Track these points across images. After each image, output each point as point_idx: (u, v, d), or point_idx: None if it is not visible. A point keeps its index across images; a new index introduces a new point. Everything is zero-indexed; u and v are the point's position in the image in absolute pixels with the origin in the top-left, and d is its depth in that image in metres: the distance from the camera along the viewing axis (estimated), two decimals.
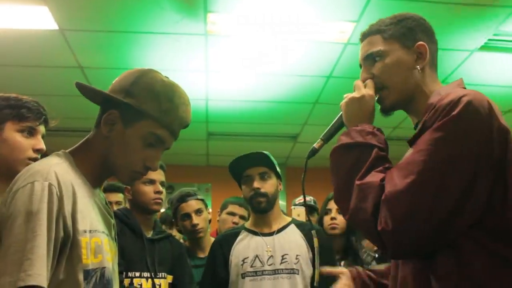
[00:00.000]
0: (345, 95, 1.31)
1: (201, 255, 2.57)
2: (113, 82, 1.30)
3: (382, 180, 1.09)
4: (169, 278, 2.18)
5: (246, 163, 2.17)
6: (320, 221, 2.83)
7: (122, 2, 3.16)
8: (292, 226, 2.19)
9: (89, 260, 1.13)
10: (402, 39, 1.26)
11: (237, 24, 3.45)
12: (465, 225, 1.02)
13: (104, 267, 1.18)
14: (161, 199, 2.21)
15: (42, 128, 1.55)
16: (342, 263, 2.73)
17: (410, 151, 1.13)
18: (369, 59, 1.30)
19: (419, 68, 1.24)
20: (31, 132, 1.51)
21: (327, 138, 1.35)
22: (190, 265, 2.39)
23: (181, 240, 2.94)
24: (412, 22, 1.29)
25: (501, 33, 3.61)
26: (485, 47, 3.78)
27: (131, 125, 1.23)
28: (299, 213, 2.72)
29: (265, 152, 2.18)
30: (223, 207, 3.04)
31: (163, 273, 2.15)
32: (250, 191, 2.15)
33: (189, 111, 1.31)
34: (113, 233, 1.33)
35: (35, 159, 1.49)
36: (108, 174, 1.31)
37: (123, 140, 1.22)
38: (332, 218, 2.70)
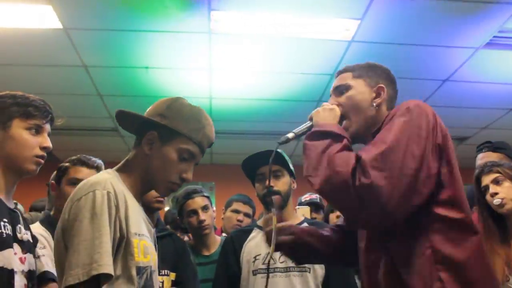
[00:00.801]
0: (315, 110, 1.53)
1: (206, 253, 2.57)
2: (148, 109, 1.50)
3: (357, 155, 1.29)
4: (172, 276, 2.18)
5: (260, 161, 2.16)
6: (326, 219, 2.83)
7: (126, 0, 3.17)
8: (305, 224, 2.18)
9: (140, 258, 1.32)
10: (367, 80, 1.53)
11: (241, 22, 3.45)
12: (425, 190, 1.27)
13: (151, 266, 1.37)
14: (163, 197, 2.21)
15: (48, 127, 1.56)
16: None
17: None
18: (338, 91, 1.56)
19: (375, 104, 1.49)
20: (38, 130, 1.52)
21: (298, 135, 1.55)
22: (195, 262, 2.39)
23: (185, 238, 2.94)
24: (378, 69, 1.57)
25: (506, 30, 3.60)
26: (489, 45, 3.77)
27: (167, 143, 1.43)
28: (304, 213, 2.72)
29: (278, 150, 2.17)
30: (228, 204, 3.05)
31: (166, 270, 2.15)
32: (263, 189, 2.15)
33: (213, 131, 1.54)
34: (153, 241, 1.49)
35: (42, 157, 1.51)
36: (147, 189, 1.50)
37: (161, 155, 1.42)
38: (338, 216, 2.70)
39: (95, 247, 1.20)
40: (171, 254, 2.21)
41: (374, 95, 1.51)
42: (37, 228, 1.91)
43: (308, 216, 2.71)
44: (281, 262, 2.05)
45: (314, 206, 3.18)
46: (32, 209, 3.17)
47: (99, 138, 5.59)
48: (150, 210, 2.19)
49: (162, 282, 2.13)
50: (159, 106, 1.47)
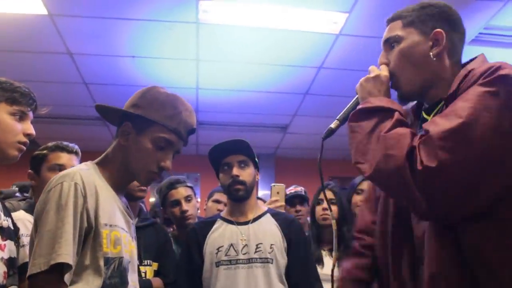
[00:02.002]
0: (360, 80, 1.31)
1: None
2: (126, 102, 1.49)
3: (412, 132, 1.07)
4: (155, 266, 2.18)
5: (226, 151, 2.16)
6: (312, 211, 2.84)
7: None
8: (268, 215, 2.20)
9: (108, 249, 1.32)
10: (420, 26, 1.26)
11: (229, 13, 3.43)
12: (509, 181, 1.01)
13: (122, 257, 1.37)
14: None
15: (31, 115, 1.55)
16: (333, 253, 2.76)
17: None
18: (388, 44, 1.32)
19: (432, 55, 1.23)
20: (22, 117, 1.51)
21: (344, 119, 1.32)
22: (178, 253, 2.38)
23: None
24: (434, 9, 1.28)
25: (491, 27, 3.63)
26: (475, 41, 3.80)
27: (142, 133, 1.42)
28: (278, 190, 2.70)
29: (244, 140, 2.16)
30: (210, 196, 3.12)
31: (148, 261, 2.15)
32: (228, 179, 2.14)
33: (193, 117, 1.49)
34: (132, 232, 1.50)
35: (24, 144, 1.51)
36: (128, 181, 1.51)
37: (138, 146, 1.42)
38: (324, 209, 2.71)
39: (56, 237, 1.23)
40: (154, 244, 2.21)
41: (430, 43, 1.25)
42: (24, 215, 1.90)
43: (283, 194, 2.70)
44: (243, 254, 2.06)
45: (299, 198, 3.20)
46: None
47: (84, 127, 5.53)
48: (132, 198, 2.18)
49: (145, 272, 2.13)
50: (134, 97, 1.48)
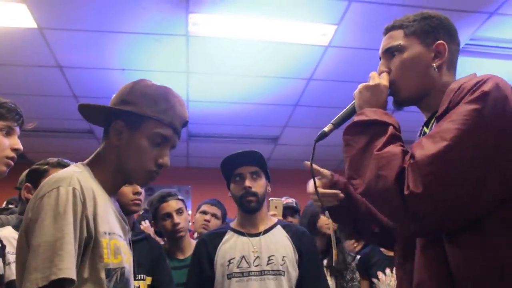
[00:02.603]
0: (359, 86, 1.31)
1: (181, 257, 2.55)
2: (112, 98, 1.38)
3: (404, 151, 1.08)
4: (148, 280, 2.16)
5: (239, 161, 2.13)
6: (314, 222, 2.81)
7: (103, 1, 3.14)
8: (279, 227, 2.18)
9: (109, 259, 1.22)
10: (423, 36, 1.27)
11: (219, 25, 3.45)
12: (497, 193, 1.02)
13: (124, 267, 1.27)
14: (140, 200, 2.19)
15: (18, 130, 1.54)
16: (325, 261, 2.76)
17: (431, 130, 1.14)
18: (388, 53, 1.32)
19: (435, 66, 1.25)
20: (9, 132, 1.51)
21: (337, 123, 1.33)
22: (169, 266, 2.37)
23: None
24: (435, 21, 1.30)
25: (477, 38, 3.69)
26: (462, 52, 3.84)
27: (136, 130, 1.32)
28: (276, 205, 2.71)
29: (257, 151, 2.15)
30: (197, 208, 3.21)
31: (142, 275, 2.13)
32: (241, 190, 2.11)
33: (185, 109, 1.41)
34: (127, 239, 1.40)
35: (12, 159, 1.49)
36: (121, 183, 1.39)
37: (132, 144, 1.32)
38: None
39: (56, 249, 1.09)
40: (147, 258, 2.19)
41: (433, 55, 1.26)
42: (10, 233, 1.87)
43: (281, 208, 2.72)
44: (255, 266, 2.05)
45: (290, 210, 3.21)
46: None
47: (73, 140, 5.50)
48: (126, 212, 2.16)
49: (139, 287, 2.11)
50: (122, 92, 1.37)
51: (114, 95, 1.38)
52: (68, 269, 1.09)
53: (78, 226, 1.15)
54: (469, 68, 4.50)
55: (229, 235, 2.17)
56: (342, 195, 1.42)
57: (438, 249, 1.09)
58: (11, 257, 1.70)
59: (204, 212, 3.09)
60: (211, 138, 5.66)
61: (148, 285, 2.16)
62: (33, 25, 3.36)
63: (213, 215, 3.10)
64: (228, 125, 5.36)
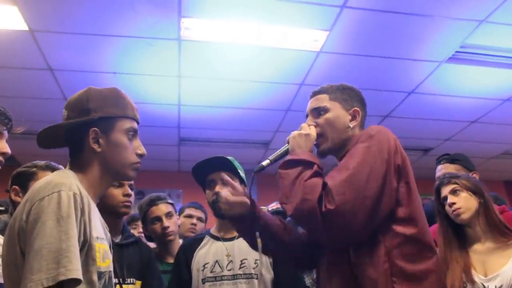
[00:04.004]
0: (292, 132, 1.62)
1: (170, 260, 2.54)
2: (65, 113, 1.45)
3: (324, 182, 1.40)
4: (138, 284, 2.14)
5: (209, 168, 2.16)
6: None
7: (95, 4, 3.13)
8: None
9: (100, 263, 1.28)
10: (343, 102, 1.66)
11: (211, 30, 3.46)
12: (386, 208, 1.40)
13: (111, 271, 1.35)
14: (130, 202, 2.18)
15: (6, 133, 1.53)
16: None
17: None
18: (315, 112, 1.67)
19: (351, 126, 1.63)
20: None
21: (274, 159, 1.63)
22: (159, 270, 2.36)
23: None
24: (351, 92, 1.69)
25: (467, 46, 3.73)
26: (452, 59, 3.89)
27: (111, 131, 1.41)
28: None
29: (228, 157, 2.16)
30: (180, 212, 3.16)
31: (131, 279, 2.11)
32: (212, 196, 2.13)
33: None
34: (108, 243, 1.45)
35: (0, 162, 1.49)
36: (105, 188, 1.48)
37: (113, 145, 1.41)
38: None
39: (62, 251, 1.13)
40: (137, 261, 2.17)
41: (350, 117, 1.64)
42: None
43: None
44: (228, 270, 2.06)
45: (281, 215, 3.20)
46: None
47: None
48: (116, 215, 2.16)
49: None
50: (77, 105, 1.44)
51: (67, 109, 1.45)
52: (77, 270, 1.14)
53: (77, 230, 1.20)
54: (459, 75, 4.57)
55: (206, 240, 2.20)
56: (247, 202, 1.64)
57: (344, 257, 1.45)
58: None
59: (190, 216, 3.07)
60: (203, 142, 5.65)
61: None
62: (24, 27, 3.34)
63: (199, 218, 3.10)
64: (219, 130, 5.36)
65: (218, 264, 2.08)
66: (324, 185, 1.39)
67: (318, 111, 1.66)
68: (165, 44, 3.62)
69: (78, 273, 1.14)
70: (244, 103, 4.69)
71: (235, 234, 2.16)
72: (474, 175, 2.46)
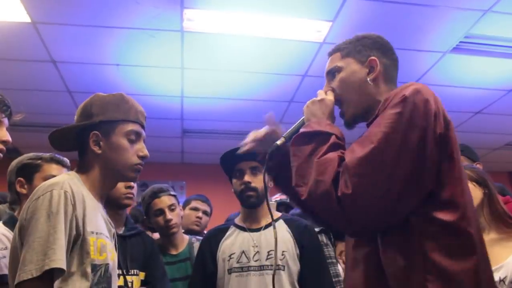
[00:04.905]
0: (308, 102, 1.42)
1: (174, 252, 2.55)
2: (75, 118, 1.55)
3: (340, 156, 1.18)
4: (141, 275, 2.16)
5: (238, 157, 2.15)
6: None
7: None
8: (281, 221, 2.18)
9: (95, 256, 1.36)
10: (357, 56, 1.41)
11: (214, 21, 3.44)
12: (420, 193, 1.12)
13: (108, 264, 1.41)
14: (132, 193, 2.19)
15: (6, 121, 1.53)
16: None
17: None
18: (330, 74, 1.46)
19: (369, 80, 1.37)
20: None
21: (289, 137, 1.42)
22: (162, 261, 2.37)
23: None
24: (367, 40, 1.44)
25: (471, 36, 3.70)
26: (456, 49, 3.87)
27: (111, 134, 1.49)
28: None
29: None
30: (186, 203, 3.14)
31: (135, 270, 2.13)
32: (240, 185, 2.14)
33: (140, 105, 1.59)
34: (113, 239, 1.54)
35: (1, 151, 1.50)
36: (109, 188, 1.56)
37: (113, 147, 1.48)
38: None
39: (49, 243, 1.24)
40: (141, 253, 2.19)
41: (367, 70, 1.38)
42: (0, 228, 1.87)
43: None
44: (255, 261, 2.06)
45: (284, 206, 3.21)
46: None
47: None
48: (119, 206, 2.17)
49: (132, 282, 2.11)
50: (83, 111, 1.53)
51: (76, 115, 1.55)
52: (60, 260, 1.24)
53: (68, 225, 1.30)
54: (463, 65, 4.55)
55: (231, 230, 2.19)
56: (279, 133, 1.49)
57: (370, 248, 1.19)
58: (0, 252, 1.70)
59: (196, 209, 3.06)
60: (206, 134, 5.65)
61: (141, 280, 2.16)
62: (27, 19, 3.34)
63: (204, 212, 3.09)
64: (222, 121, 5.36)
65: (245, 254, 2.08)
66: (341, 161, 1.15)
67: (332, 74, 1.45)
68: (167, 36, 3.61)
69: (61, 263, 1.24)
70: (247, 94, 4.68)
71: (262, 224, 2.16)
72: (478, 165, 2.45)
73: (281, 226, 2.17)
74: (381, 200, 1.09)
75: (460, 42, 3.76)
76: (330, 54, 1.49)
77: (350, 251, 1.32)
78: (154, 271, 2.21)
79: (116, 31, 3.53)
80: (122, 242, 2.10)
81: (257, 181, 2.15)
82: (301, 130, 1.33)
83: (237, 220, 2.25)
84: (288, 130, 1.46)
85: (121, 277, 2.03)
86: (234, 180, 2.20)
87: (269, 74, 4.28)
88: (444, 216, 1.12)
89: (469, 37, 3.72)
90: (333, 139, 1.24)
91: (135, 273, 2.12)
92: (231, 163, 2.19)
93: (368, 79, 1.37)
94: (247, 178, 2.13)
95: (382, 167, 1.10)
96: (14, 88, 4.23)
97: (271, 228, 2.14)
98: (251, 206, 2.17)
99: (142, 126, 1.56)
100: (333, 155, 1.19)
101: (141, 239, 2.25)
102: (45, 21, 3.40)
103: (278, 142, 1.42)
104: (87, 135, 1.49)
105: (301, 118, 1.43)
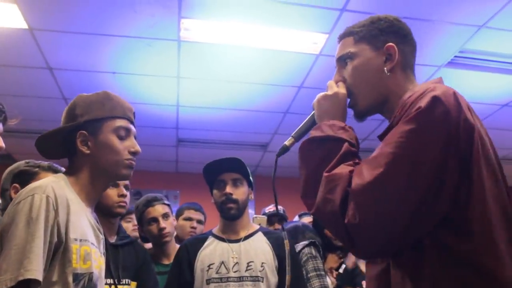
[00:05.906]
0: (317, 96, 1.29)
1: (166, 262, 2.54)
2: (62, 120, 1.51)
3: (351, 172, 1.05)
4: (133, 285, 2.14)
5: (220, 168, 2.16)
6: (322, 232, 2.73)
7: (95, 3, 3.13)
8: (259, 233, 2.19)
9: (78, 265, 1.30)
10: (372, 41, 1.23)
11: (211, 31, 3.45)
12: (433, 221, 0.98)
13: (92, 273, 1.34)
14: (125, 202, 2.18)
15: (1, 127, 1.52)
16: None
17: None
18: (341, 61, 1.29)
19: (386, 70, 1.20)
20: None
21: (298, 136, 1.30)
22: (154, 271, 2.35)
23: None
24: (384, 23, 1.25)
25: (466, 51, 3.73)
26: (451, 64, 3.90)
27: (99, 132, 1.44)
28: (260, 222, 2.75)
29: (240, 158, 2.17)
30: (179, 213, 3.10)
31: (126, 279, 2.11)
32: (221, 196, 2.14)
33: (126, 101, 1.56)
34: (101, 247, 1.48)
35: None
36: (100, 191, 1.49)
37: (102, 145, 1.43)
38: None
39: (25, 252, 1.17)
40: (133, 262, 2.17)
41: (384, 58, 1.21)
42: None
43: (264, 225, 2.73)
44: (234, 272, 2.05)
45: (278, 217, 3.20)
46: None
47: None
48: (111, 215, 2.15)
49: None
50: (68, 113, 1.50)
51: (62, 117, 1.50)
52: (36, 270, 1.17)
53: (49, 232, 1.24)
54: (458, 79, 4.58)
55: (210, 240, 2.18)
56: None
57: (382, 267, 1.09)
58: None
59: (190, 219, 3.03)
60: (201, 143, 5.65)
61: None
62: (24, 25, 3.34)
63: (199, 221, 3.06)
64: (218, 131, 5.36)
65: (224, 265, 2.07)
66: (350, 179, 1.03)
67: (343, 61, 1.27)
68: (164, 45, 3.62)
69: (36, 274, 1.17)
70: (243, 104, 4.69)
71: (241, 236, 2.16)
72: None
73: (260, 238, 2.17)
74: (390, 229, 0.99)
75: (455, 56, 3.80)
76: (342, 37, 1.31)
77: (366, 269, 1.21)
78: (146, 281, 2.19)
79: (113, 39, 3.54)
80: (114, 251, 2.08)
81: (239, 193, 2.14)
82: (312, 133, 1.19)
83: (216, 231, 2.23)
84: (297, 129, 1.31)
85: (113, 286, 2.01)
86: (215, 191, 2.19)
87: (265, 85, 4.29)
88: (457, 243, 0.98)
89: (464, 52, 3.75)
90: (345, 147, 1.11)
91: (127, 282, 2.10)
92: (213, 174, 2.18)
93: (385, 68, 1.20)
94: (228, 189, 2.13)
95: (390, 195, 0.97)
96: (9, 94, 4.22)
97: (250, 239, 2.15)
98: (231, 218, 2.16)
99: (132, 122, 1.51)
100: (344, 170, 1.06)
101: (133, 248, 2.23)
102: (42, 28, 3.40)
103: (287, 143, 1.30)
104: (74, 136, 1.44)
105: (311, 114, 1.29)
